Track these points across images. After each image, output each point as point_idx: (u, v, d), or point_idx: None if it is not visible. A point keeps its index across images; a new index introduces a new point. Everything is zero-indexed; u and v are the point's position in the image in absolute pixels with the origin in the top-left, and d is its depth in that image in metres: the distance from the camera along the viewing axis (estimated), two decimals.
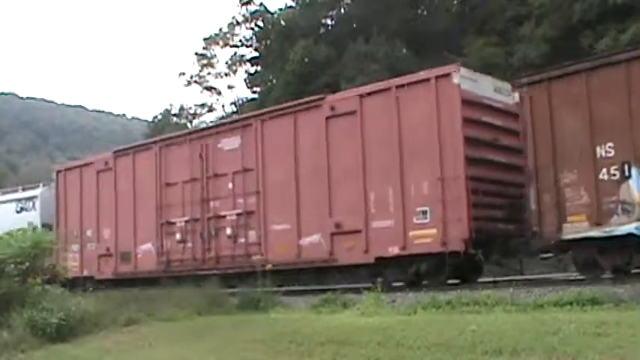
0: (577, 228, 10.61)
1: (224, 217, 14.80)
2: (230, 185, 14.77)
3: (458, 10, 29.70)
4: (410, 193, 12.10)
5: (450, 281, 12.63)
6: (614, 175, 10.34)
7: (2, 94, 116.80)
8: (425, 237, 11.84)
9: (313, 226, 13.29)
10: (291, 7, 34.68)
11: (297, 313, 11.47)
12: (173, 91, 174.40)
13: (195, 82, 40.71)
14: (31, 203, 21.01)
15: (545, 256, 11.70)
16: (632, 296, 8.74)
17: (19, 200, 21.55)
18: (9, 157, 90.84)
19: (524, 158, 12.27)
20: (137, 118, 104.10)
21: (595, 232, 10.41)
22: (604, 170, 10.43)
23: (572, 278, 11.42)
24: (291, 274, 14.05)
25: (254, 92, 36.83)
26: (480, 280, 12.80)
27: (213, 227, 15.02)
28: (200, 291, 13.10)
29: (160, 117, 44.89)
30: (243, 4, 35.84)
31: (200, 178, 15.39)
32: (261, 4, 35.79)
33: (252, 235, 14.26)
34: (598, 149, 10.53)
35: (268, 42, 34.62)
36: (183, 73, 41.27)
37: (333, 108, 13.28)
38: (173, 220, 15.83)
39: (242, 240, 14.41)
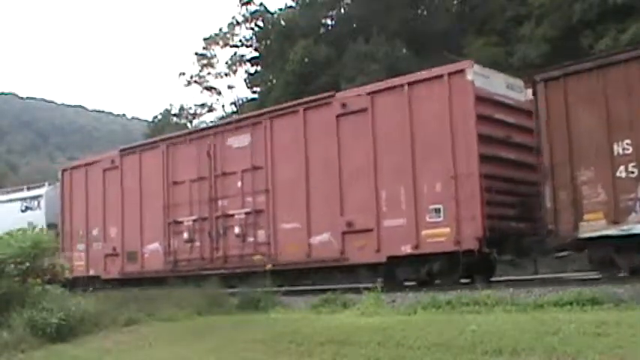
0: (594, 226, 10.22)
1: (232, 216, 14.35)
2: (239, 184, 14.32)
3: (458, 10, 29.35)
4: (422, 191, 11.71)
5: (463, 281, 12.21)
6: (632, 172, 9.96)
7: (2, 94, 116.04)
8: (438, 236, 11.46)
9: (324, 225, 12.87)
10: (291, 7, 34.28)
11: (297, 313, 11.24)
12: (173, 91, 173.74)
13: (196, 82, 40.32)
14: (36, 202, 20.49)
15: (560, 254, 11.29)
16: (632, 296, 8.55)
17: (23, 199, 21.01)
18: (9, 157, 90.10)
19: (536, 156, 11.94)
20: (137, 118, 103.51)
21: (612, 231, 10.03)
22: (621, 167, 10.05)
23: (573, 278, 11.11)
24: (302, 274, 13.61)
25: (254, 92, 36.44)
26: (494, 279, 12.41)
27: (221, 226, 14.56)
28: (200, 291, 12.81)
29: (160, 117, 44.45)
30: (243, 4, 35.46)
31: (208, 177, 14.92)
32: (261, 4, 35.46)
33: (262, 234, 13.82)
34: (615, 146, 10.14)
35: (268, 42, 34.20)
36: (184, 73, 40.94)
37: (343, 105, 12.85)
38: (180, 220, 15.36)
39: (251, 239, 13.97)
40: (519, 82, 12.36)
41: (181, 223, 15.30)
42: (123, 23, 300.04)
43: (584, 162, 10.41)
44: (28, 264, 12.61)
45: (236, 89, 49.91)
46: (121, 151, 17.34)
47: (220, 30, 38.32)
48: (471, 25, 26.93)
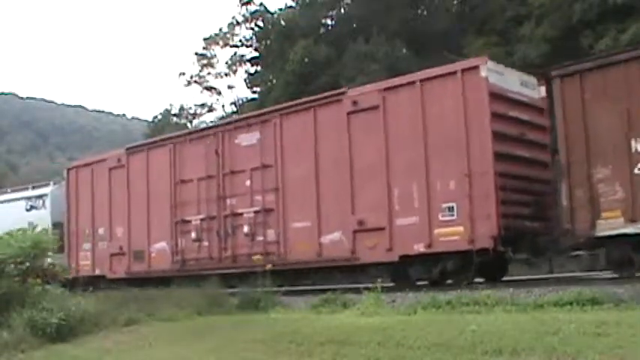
0: (611, 224, 9.88)
1: (241, 214, 13.88)
2: (248, 182, 13.86)
3: (458, 10, 28.99)
4: (435, 189, 11.31)
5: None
6: None
7: (2, 94, 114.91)
8: (451, 234, 11.06)
9: (334, 224, 12.46)
10: (291, 7, 33.82)
11: (297, 313, 11.00)
12: (173, 91, 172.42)
13: (196, 82, 39.79)
14: (41, 201, 19.85)
15: (576, 253, 10.92)
16: (632, 296, 8.35)
17: (28, 198, 20.37)
18: (9, 157, 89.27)
19: (550, 153, 11.62)
20: (137, 118, 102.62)
21: (630, 229, 9.67)
22: None
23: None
24: (312, 273, 13.19)
25: (254, 92, 35.96)
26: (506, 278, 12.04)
27: (230, 225, 14.09)
28: (200, 291, 12.49)
29: (159, 117, 43.96)
30: (243, 4, 34.96)
31: (216, 175, 14.45)
32: (261, 4, 34.96)
33: (271, 233, 13.38)
34: (633, 143, 9.78)
35: (268, 42, 33.73)
36: (184, 73, 40.37)
37: (355, 103, 12.43)
38: (188, 218, 14.88)
39: (260, 238, 13.52)
40: (533, 79, 12.02)
41: (189, 222, 14.82)
42: (123, 23, 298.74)
43: (601, 159, 10.06)
44: (28, 264, 12.38)
45: (236, 89, 49.32)
46: (128, 149, 16.85)
47: (220, 30, 37.91)
48: (471, 25, 26.57)
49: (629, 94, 9.85)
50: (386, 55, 27.15)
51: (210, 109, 40.64)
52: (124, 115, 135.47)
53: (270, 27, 33.55)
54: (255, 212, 13.63)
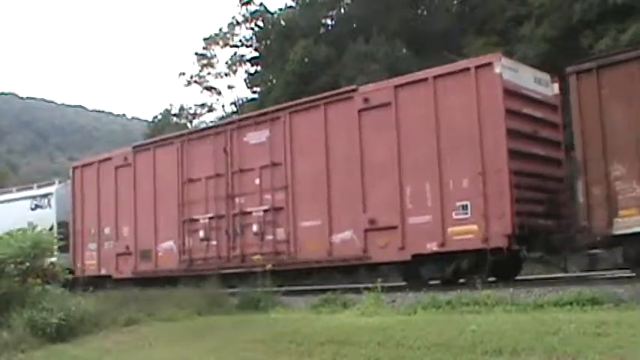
0: (629, 222, 9.57)
1: (250, 213, 13.51)
2: (257, 180, 13.48)
3: (458, 10, 28.63)
4: (449, 187, 10.98)
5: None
6: None
7: (2, 94, 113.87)
8: (465, 233, 10.74)
9: (345, 223, 12.10)
10: (291, 7, 33.30)
11: (297, 313, 10.88)
12: (173, 91, 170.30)
13: (195, 82, 39.24)
14: (46, 200, 19.23)
15: (593, 252, 10.57)
16: (632, 296, 8.24)
17: (33, 197, 19.74)
18: (9, 157, 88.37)
19: (564, 151, 11.30)
20: (137, 118, 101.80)
21: None
22: None
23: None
24: (322, 273, 12.80)
25: (254, 92, 35.44)
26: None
27: (238, 224, 13.71)
28: (200, 291, 12.26)
29: (159, 117, 43.41)
30: (243, 4, 34.45)
31: (225, 174, 14.06)
32: (261, 4, 34.45)
33: (281, 232, 13.00)
34: None
35: (268, 42, 33.23)
36: (184, 73, 39.78)
37: (366, 100, 12.08)
38: (196, 217, 14.47)
39: (270, 237, 13.14)
40: (546, 76, 11.74)
41: (197, 221, 14.42)
42: (123, 23, 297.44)
43: (618, 156, 9.75)
44: (28, 264, 12.23)
45: (236, 89, 48.70)
46: (134, 147, 16.44)
47: (220, 30, 37.38)
48: (471, 25, 26.21)
49: None
50: (386, 55, 26.76)
51: (210, 109, 40.20)
52: (124, 115, 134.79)
53: (270, 27, 33.07)
54: (265, 211, 13.26)
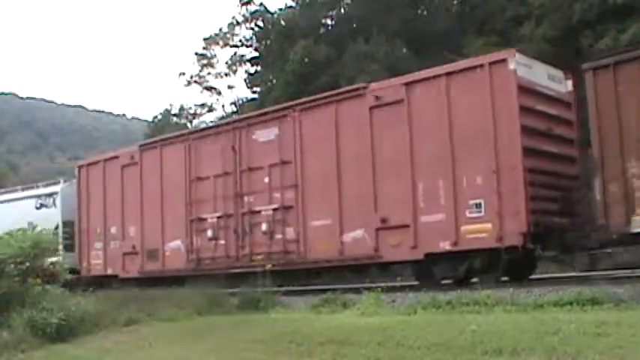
0: None
1: (259, 212, 13.09)
2: (266, 179, 13.06)
3: (458, 10, 28.32)
4: (462, 185, 10.61)
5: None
6: None
7: (2, 94, 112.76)
8: (479, 231, 10.38)
9: (357, 222, 11.71)
10: (291, 7, 32.89)
11: (297, 313, 10.67)
12: (173, 91, 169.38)
13: (195, 82, 38.81)
14: (51, 200, 18.70)
15: (609, 250, 10.22)
16: (632, 296, 8.07)
17: (38, 196, 19.21)
18: (9, 157, 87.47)
19: (579, 148, 10.96)
20: (137, 118, 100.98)
21: None
22: None
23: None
24: (333, 272, 12.41)
25: (254, 92, 35.03)
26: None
27: (247, 223, 13.28)
28: (200, 291, 12.01)
29: (159, 117, 43.00)
30: (243, 4, 34.03)
31: (233, 172, 13.63)
32: (261, 4, 34.03)
33: (290, 231, 12.61)
34: None
35: (268, 42, 32.81)
36: (184, 73, 39.37)
37: (377, 97, 11.69)
38: (204, 216, 14.04)
39: (279, 236, 12.74)
40: (560, 73, 11.40)
41: (205, 220, 13.98)
42: (123, 23, 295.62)
43: (636, 153, 9.41)
44: (28, 264, 11.98)
45: (236, 89, 48.09)
46: (141, 146, 16.00)
47: (220, 30, 36.96)
48: (471, 25, 25.91)
49: None
50: (386, 55, 26.43)
51: (210, 109, 39.81)
52: (124, 115, 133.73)
53: (270, 27, 32.66)
54: (274, 210, 12.87)
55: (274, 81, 31.28)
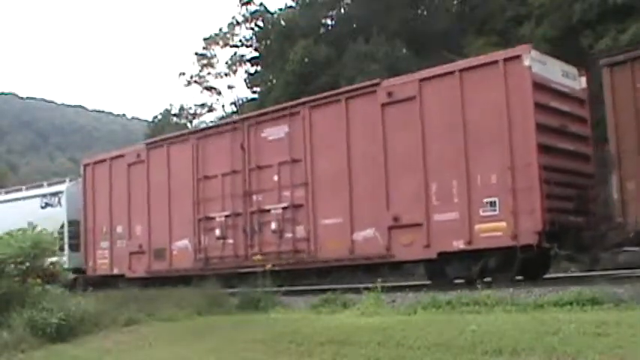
0: None
1: (268, 211, 12.75)
2: (275, 177, 12.71)
3: (458, 10, 28.03)
4: (476, 183, 10.28)
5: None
6: None
7: (2, 94, 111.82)
8: (493, 230, 10.06)
9: (368, 220, 11.38)
10: (291, 7, 32.49)
11: (297, 313, 10.54)
12: (173, 91, 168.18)
13: (195, 82, 38.34)
14: (56, 199, 18.26)
15: (628, 249, 9.93)
16: (632, 296, 7.98)
17: (43, 196, 18.77)
18: (9, 157, 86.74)
19: (593, 146, 10.64)
20: (137, 118, 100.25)
21: None
22: None
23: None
24: (343, 271, 12.04)
25: (254, 92, 34.62)
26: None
27: (256, 222, 12.92)
28: (200, 291, 11.80)
29: (160, 117, 42.46)
30: (243, 4, 33.60)
31: (241, 170, 13.27)
32: (261, 4, 33.61)
33: (300, 230, 12.26)
34: None
35: (268, 42, 32.42)
36: (184, 73, 38.87)
37: (389, 94, 11.35)
38: (212, 215, 13.67)
39: (289, 235, 12.39)
40: (574, 70, 11.11)
41: (213, 219, 13.62)
42: (123, 23, 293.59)
43: None
44: (28, 264, 11.80)
45: (236, 89, 47.71)
46: (148, 144, 15.64)
47: (220, 30, 36.50)
48: (471, 25, 25.62)
49: None
50: (386, 55, 26.11)
51: (210, 109, 39.35)
52: (124, 115, 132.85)
53: (270, 27, 32.28)
54: (284, 208, 12.52)
55: (274, 81, 30.92)
